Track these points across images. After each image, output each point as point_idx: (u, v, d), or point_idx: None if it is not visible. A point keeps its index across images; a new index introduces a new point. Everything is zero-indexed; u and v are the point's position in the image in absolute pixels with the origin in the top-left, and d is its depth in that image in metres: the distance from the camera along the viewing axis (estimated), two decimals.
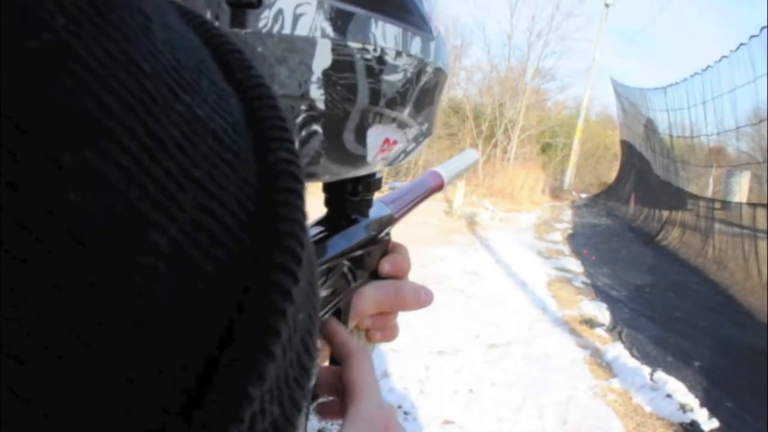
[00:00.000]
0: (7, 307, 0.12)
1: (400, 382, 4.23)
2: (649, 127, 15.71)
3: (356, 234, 0.47)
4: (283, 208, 0.19)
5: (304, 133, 0.35)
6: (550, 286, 7.77)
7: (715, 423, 3.88)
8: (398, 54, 0.36)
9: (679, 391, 4.24)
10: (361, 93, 0.35)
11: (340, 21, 0.33)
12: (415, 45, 0.38)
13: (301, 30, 0.32)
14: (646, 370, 4.62)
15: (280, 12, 0.31)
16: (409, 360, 4.65)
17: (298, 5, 0.32)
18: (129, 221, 0.14)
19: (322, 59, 0.33)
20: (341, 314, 0.47)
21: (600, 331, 5.76)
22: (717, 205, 10.45)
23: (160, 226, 0.15)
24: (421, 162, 29.58)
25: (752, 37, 8.66)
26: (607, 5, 27.64)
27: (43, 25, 0.13)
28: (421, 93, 0.40)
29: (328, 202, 0.48)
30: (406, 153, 0.45)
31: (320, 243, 0.44)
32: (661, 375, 4.48)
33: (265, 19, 0.31)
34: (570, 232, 13.65)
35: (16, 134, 0.12)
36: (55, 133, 0.13)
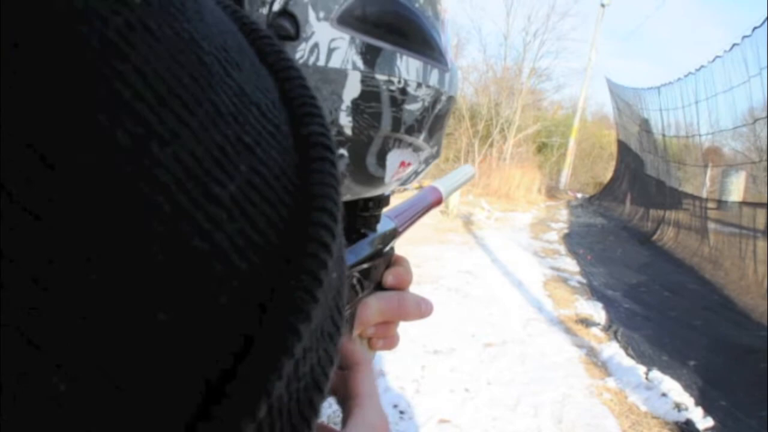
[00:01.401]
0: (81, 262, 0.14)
1: (396, 381, 4.23)
2: (644, 127, 15.75)
3: (365, 248, 0.50)
4: (317, 175, 0.21)
5: None
6: (545, 285, 7.78)
7: (710, 422, 3.89)
8: (419, 85, 0.40)
9: (674, 390, 4.25)
10: (385, 121, 0.39)
11: (370, 55, 0.37)
12: (434, 77, 0.41)
13: (335, 62, 0.36)
14: (642, 369, 4.64)
15: (316, 45, 0.35)
16: (404, 359, 4.65)
17: (333, 39, 0.35)
18: (195, 174, 0.16)
19: (352, 90, 0.37)
20: (348, 323, 0.49)
21: (595, 331, 5.77)
22: (712, 205, 10.48)
23: (221, 181, 0.17)
24: None
25: (745, 37, 8.72)
26: (602, 5, 27.68)
27: (124, 3, 0.15)
28: (435, 119, 0.44)
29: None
30: (416, 173, 0.49)
31: None
32: (656, 374, 4.49)
33: (302, 51, 0.35)
34: (566, 231, 13.66)
35: (108, 96, 0.14)
36: (136, 98, 0.15)
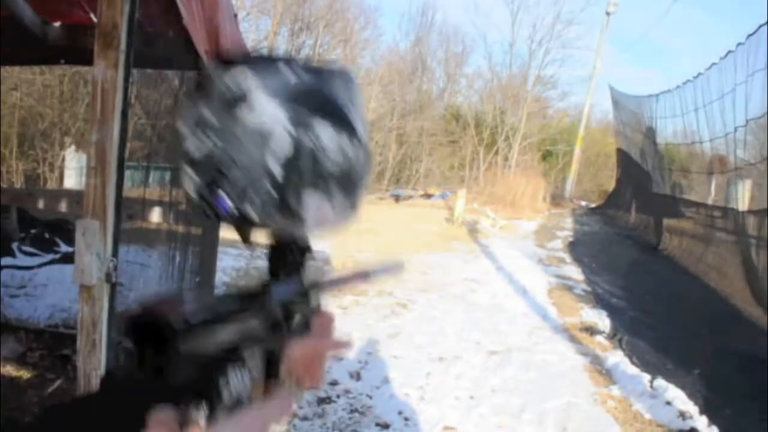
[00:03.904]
0: None
1: (401, 388, 4.25)
2: (649, 135, 15.73)
3: (290, 290, 0.59)
4: None
5: (263, 193, 0.50)
6: (550, 293, 7.79)
7: (714, 430, 3.89)
8: (333, 147, 0.51)
9: (678, 398, 4.25)
10: (306, 172, 0.50)
11: (296, 121, 0.49)
12: (344, 142, 0.52)
13: (267, 123, 0.49)
14: (646, 377, 4.64)
15: (255, 110, 0.49)
16: (409, 367, 4.67)
17: (268, 107, 0.49)
18: None
19: (281, 144, 0.49)
20: (276, 358, 0.57)
21: (600, 339, 5.77)
22: (717, 213, 10.46)
23: None
24: (422, 170, 29.63)
25: (739, 44, 8.85)
26: (608, 13, 27.70)
27: None
28: (349, 179, 0.54)
29: (271, 260, 0.60)
30: (336, 223, 0.58)
31: (259, 295, 0.56)
32: (660, 382, 4.49)
33: (245, 113, 0.49)
34: (571, 239, 13.66)
35: None
36: None
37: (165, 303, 0.50)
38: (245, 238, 0.54)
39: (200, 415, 0.49)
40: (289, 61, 0.51)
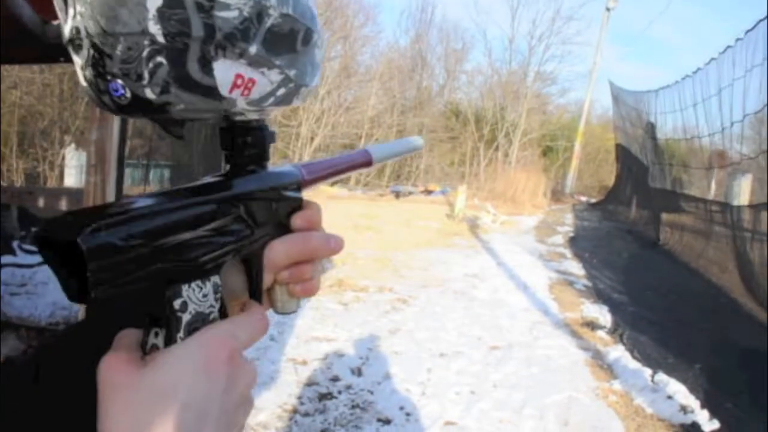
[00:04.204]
0: None
1: (402, 383, 4.26)
2: (648, 130, 15.72)
3: (250, 182, 0.51)
4: None
5: (150, 64, 0.40)
6: (551, 288, 7.79)
7: (716, 424, 3.89)
8: None
9: (680, 392, 4.26)
10: (195, 27, 0.40)
11: None
12: None
13: None
14: (647, 371, 4.64)
15: None
16: (410, 362, 4.67)
17: None
18: None
19: None
20: (252, 265, 0.50)
21: (601, 334, 5.78)
22: (718, 208, 10.45)
23: None
24: (422, 166, 29.62)
25: (738, 40, 8.85)
26: (608, 9, 27.68)
27: None
28: (271, 35, 0.45)
29: (226, 158, 0.52)
30: (275, 97, 0.49)
31: (212, 185, 0.49)
32: (662, 377, 4.50)
33: None
34: (571, 235, 13.66)
35: None
36: None
37: (78, 213, 0.41)
38: (167, 129, 0.45)
39: (158, 339, 0.43)
40: None
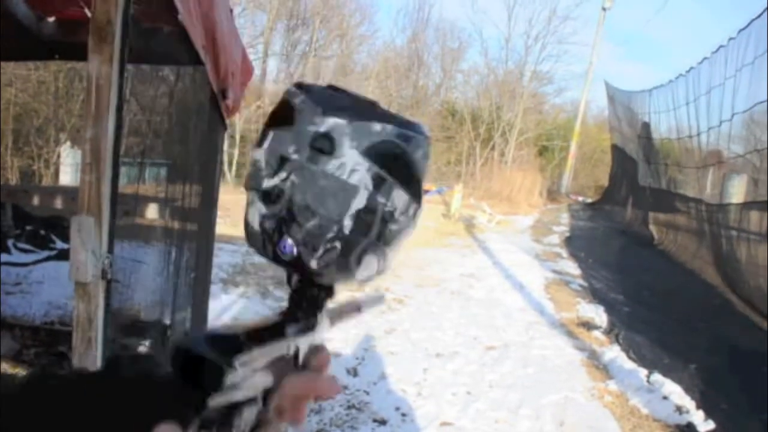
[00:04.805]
0: None
1: (398, 384, 4.25)
2: (643, 130, 15.75)
3: (303, 326, 0.57)
4: None
5: (328, 245, 0.49)
6: (547, 288, 7.80)
7: (711, 425, 3.90)
8: (402, 213, 0.52)
9: (675, 393, 4.27)
10: (374, 232, 0.50)
11: (377, 182, 0.49)
12: (412, 209, 0.53)
13: (353, 180, 0.48)
14: (643, 372, 4.65)
15: (343, 164, 0.48)
16: (406, 362, 4.67)
17: (356, 164, 0.48)
18: None
19: (359, 202, 0.48)
20: (271, 391, 0.55)
21: (597, 334, 5.78)
22: (713, 208, 10.48)
23: None
24: None
25: (730, 39, 8.89)
26: (603, 9, 27.74)
27: None
28: (400, 239, 0.54)
29: (293, 299, 0.57)
30: (367, 280, 0.56)
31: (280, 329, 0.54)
32: (657, 377, 4.50)
33: (332, 165, 0.48)
34: (567, 235, 13.68)
35: None
36: None
37: (216, 338, 0.48)
38: (289, 280, 0.54)
39: None
40: (382, 116, 0.51)
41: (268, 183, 0.50)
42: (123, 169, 2.08)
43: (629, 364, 4.84)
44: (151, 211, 4.84)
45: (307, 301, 0.57)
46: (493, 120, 30.88)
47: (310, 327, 0.57)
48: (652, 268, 9.90)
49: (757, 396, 4.41)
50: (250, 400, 0.49)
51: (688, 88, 11.25)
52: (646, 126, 15.31)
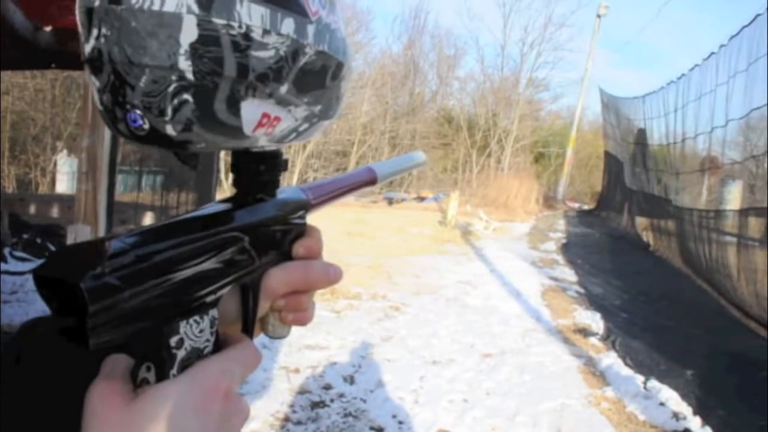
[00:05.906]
0: None
1: (395, 391, 4.24)
2: (638, 136, 15.78)
3: (259, 211, 0.49)
4: None
5: (175, 101, 0.38)
6: (544, 295, 7.80)
7: (708, 431, 3.90)
8: (266, 32, 0.39)
9: (672, 399, 4.27)
10: (228, 66, 0.38)
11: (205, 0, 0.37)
12: (287, 26, 0.41)
13: (169, 6, 0.36)
14: (640, 378, 4.65)
15: None
16: (403, 370, 4.66)
17: None
18: None
19: (189, 33, 0.37)
20: (250, 292, 0.49)
21: (594, 340, 5.78)
22: (710, 214, 10.50)
23: None
24: (415, 173, 29.64)
25: (722, 46, 8.95)
26: (599, 16, 27.83)
27: None
28: (302, 73, 0.43)
29: (235, 182, 0.50)
30: (297, 132, 0.47)
31: (218, 215, 0.47)
32: (654, 383, 4.51)
33: None
34: (564, 241, 13.69)
35: None
36: None
37: (79, 251, 0.39)
38: (183, 159, 0.43)
39: (150, 374, 0.41)
40: None
41: (86, 48, 0.38)
42: (120, 178, 2.08)
43: (626, 371, 4.84)
44: (148, 220, 4.84)
45: (251, 176, 0.49)
46: (490, 127, 30.95)
47: (269, 208, 0.50)
48: (648, 273, 9.91)
49: (754, 402, 4.41)
50: (190, 316, 0.42)
51: (679, 95, 11.33)
52: (642, 132, 15.35)
